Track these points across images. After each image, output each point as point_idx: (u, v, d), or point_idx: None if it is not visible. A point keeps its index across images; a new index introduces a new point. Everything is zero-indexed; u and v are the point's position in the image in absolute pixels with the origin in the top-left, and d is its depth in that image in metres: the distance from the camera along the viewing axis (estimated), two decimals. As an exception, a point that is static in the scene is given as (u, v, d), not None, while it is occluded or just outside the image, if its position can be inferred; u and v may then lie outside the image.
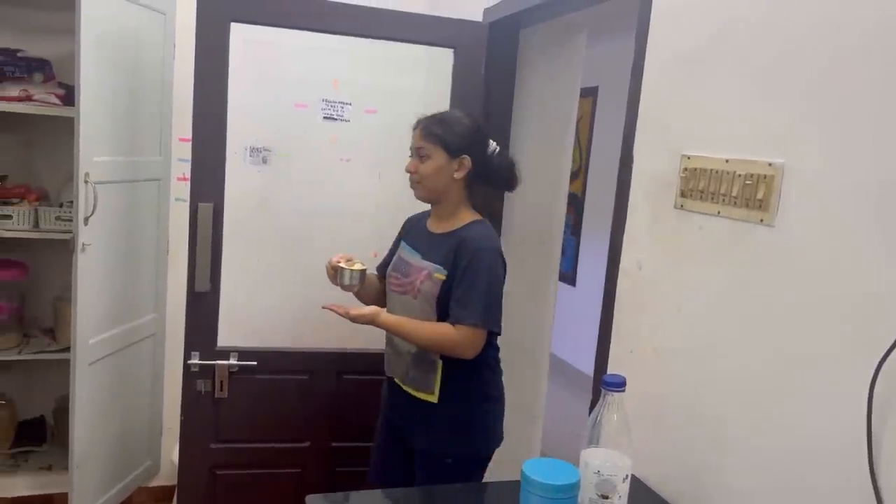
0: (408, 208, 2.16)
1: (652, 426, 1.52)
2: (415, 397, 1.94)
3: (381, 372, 2.10)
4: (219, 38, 2.22)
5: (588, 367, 4.66)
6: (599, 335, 1.72)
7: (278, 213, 2.48)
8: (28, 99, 2.64)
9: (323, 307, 1.90)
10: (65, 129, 2.77)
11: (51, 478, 2.83)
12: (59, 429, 3.00)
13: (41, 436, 3.02)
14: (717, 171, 1.37)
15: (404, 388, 1.97)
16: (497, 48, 2.46)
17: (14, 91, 2.62)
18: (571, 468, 1.25)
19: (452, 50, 2.42)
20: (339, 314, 1.88)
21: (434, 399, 1.91)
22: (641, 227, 1.59)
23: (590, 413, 1.77)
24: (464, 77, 2.43)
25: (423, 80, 2.54)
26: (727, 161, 1.35)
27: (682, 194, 1.46)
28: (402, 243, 2.06)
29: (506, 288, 2.64)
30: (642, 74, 1.61)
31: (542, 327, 2.72)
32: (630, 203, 1.63)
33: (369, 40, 2.38)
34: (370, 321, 1.88)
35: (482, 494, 1.66)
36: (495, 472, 2.71)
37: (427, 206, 2.06)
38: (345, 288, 1.96)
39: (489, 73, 2.46)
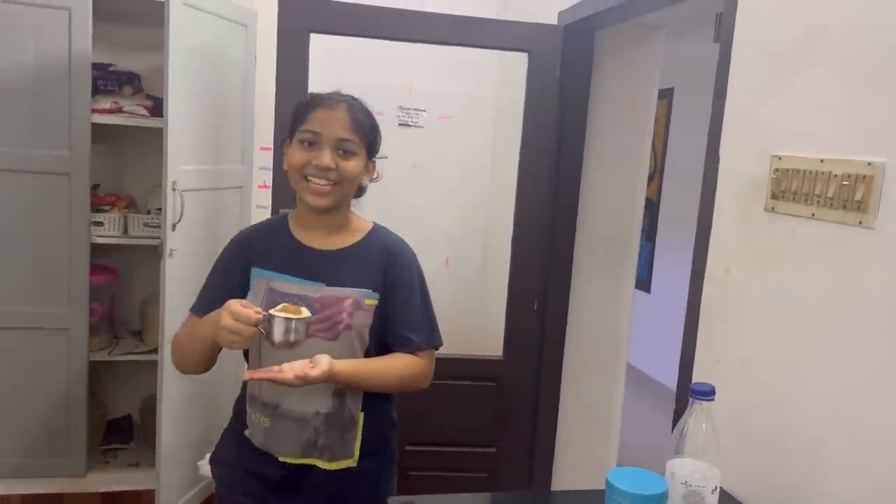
0: (476, 214, 2.15)
1: (740, 438, 1.47)
2: (325, 471, 1.51)
3: (462, 375, 2.04)
4: (299, 48, 2.28)
5: (663, 376, 4.59)
6: (683, 342, 1.68)
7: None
8: (118, 111, 2.76)
9: (247, 378, 1.41)
10: (152, 140, 2.90)
11: (138, 474, 2.94)
12: (146, 427, 3.12)
13: (129, 434, 3.14)
14: (810, 172, 1.32)
15: (303, 462, 1.51)
16: (572, 51, 2.44)
17: (106, 103, 2.75)
18: (658, 478, 1.22)
19: (527, 54, 2.42)
20: (283, 381, 1.36)
21: (353, 462, 1.53)
22: (729, 231, 1.55)
23: (673, 423, 1.74)
24: (538, 81, 2.42)
25: (496, 85, 2.55)
26: (822, 161, 1.29)
27: (773, 196, 1.41)
28: (262, 273, 1.51)
29: (582, 293, 2.62)
30: (728, 74, 1.57)
31: (619, 334, 2.67)
32: (716, 205, 1.58)
33: (443, 46, 2.40)
34: (326, 377, 1.39)
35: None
36: (568, 480, 2.68)
37: (260, 217, 1.72)
38: (284, 346, 1.36)
39: (564, 77, 2.44)
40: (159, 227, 2.83)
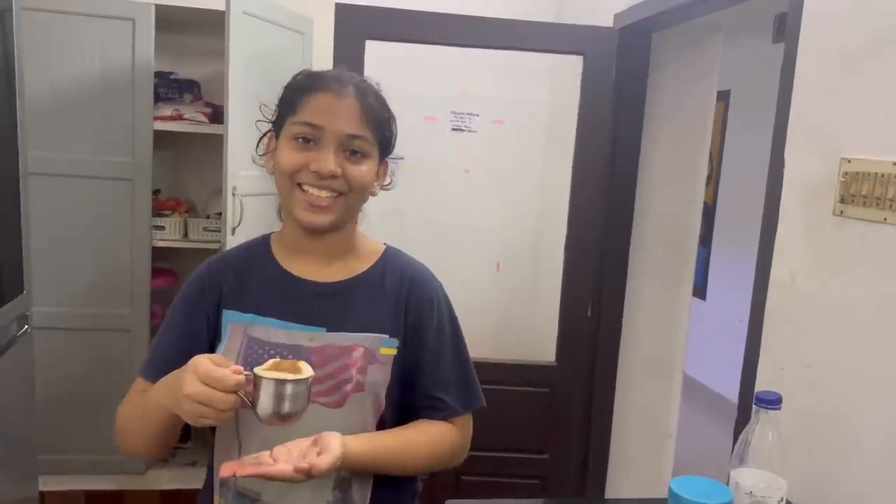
0: (527, 217, 2.13)
1: (805, 448, 1.43)
2: None
3: (515, 381, 2.01)
4: (355, 55, 2.31)
5: (717, 385, 4.49)
6: (746, 350, 1.64)
7: (406, 225, 2.54)
8: (179, 118, 2.84)
9: (226, 474, 0.97)
10: (210, 146, 2.96)
11: (196, 473, 3.00)
12: (202, 427, 3.18)
13: (186, 433, 3.22)
14: (882, 175, 1.27)
15: None
16: (628, 54, 2.41)
17: (168, 111, 2.82)
18: (722, 487, 1.19)
19: (581, 57, 2.40)
20: (279, 477, 0.96)
21: None
22: (794, 236, 1.51)
23: (734, 431, 1.70)
24: (593, 84, 2.40)
25: (549, 89, 2.53)
26: (895, 163, 1.25)
27: (842, 200, 1.37)
28: (237, 317, 1.12)
29: (637, 299, 2.59)
30: (793, 75, 1.53)
31: (676, 341, 2.62)
32: (781, 210, 1.54)
33: (497, 51, 2.40)
34: (338, 466, 1.01)
35: None
36: (621, 489, 2.64)
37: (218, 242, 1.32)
38: (275, 419, 0.96)
39: (620, 80, 2.41)
40: (218, 230, 2.90)
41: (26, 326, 2.17)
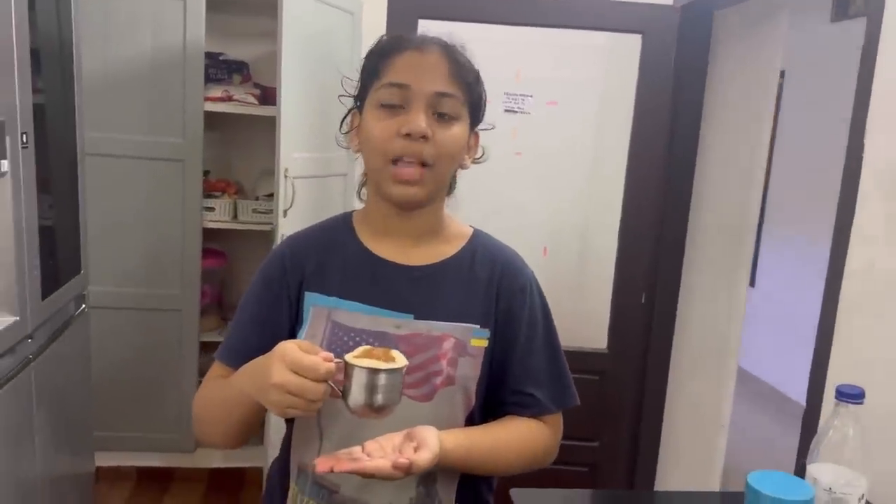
0: (576, 202, 2.08)
1: (885, 446, 1.37)
2: None
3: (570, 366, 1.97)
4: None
5: (767, 375, 4.39)
6: (817, 341, 1.58)
7: (455, 209, 2.51)
8: (229, 99, 2.83)
9: (323, 469, 0.88)
10: (259, 127, 2.96)
11: (243, 452, 3.02)
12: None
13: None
14: (978, 160, 1.20)
15: None
16: (689, 33, 2.34)
17: (217, 92, 2.82)
18: (801, 482, 1.15)
19: (640, 36, 2.33)
20: (376, 473, 0.88)
21: None
22: (875, 223, 1.44)
23: (803, 424, 1.65)
24: (652, 64, 2.34)
25: (603, 70, 2.47)
26: None
27: (931, 186, 1.30)
28: (320, 300, 1.06)
29: (693, 286, 2.52)
30: (876, 54, 1.46)
31: (731, 332, 2.55)
32: (860, 196, 1.48)
33: (552, 30, 2.34)
34: (435, 463, 0.93)
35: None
36: (672, 480, 2.60)
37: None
38: (367, 411, 0.90)
39: (680, 60, 2.34)
40: (268, 212, 2.90)
41: (84, 306, 2.20)
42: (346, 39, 2.70)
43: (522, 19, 2.31)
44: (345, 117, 1.15)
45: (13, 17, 1.60)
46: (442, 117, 1.02)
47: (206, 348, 3.08)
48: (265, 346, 0.92)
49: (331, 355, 0.88)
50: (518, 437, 1.08)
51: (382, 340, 1.01)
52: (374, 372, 0.87)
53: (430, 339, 1.03)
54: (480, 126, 1.12)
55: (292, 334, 1.06)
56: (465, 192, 2.58)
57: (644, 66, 2.33)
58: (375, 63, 1.05)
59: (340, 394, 0.89)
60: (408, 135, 0.99)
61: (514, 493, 1.31)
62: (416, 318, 1.04)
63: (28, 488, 1.78)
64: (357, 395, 0.88)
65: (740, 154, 2.48)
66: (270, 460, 2.06)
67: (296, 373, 0.85)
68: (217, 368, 1.09)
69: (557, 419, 1.14)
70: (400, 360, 0.91)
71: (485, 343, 1.06)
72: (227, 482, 2.97)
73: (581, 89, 2.39)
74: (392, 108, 1.01)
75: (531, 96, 2.40)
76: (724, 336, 2.57)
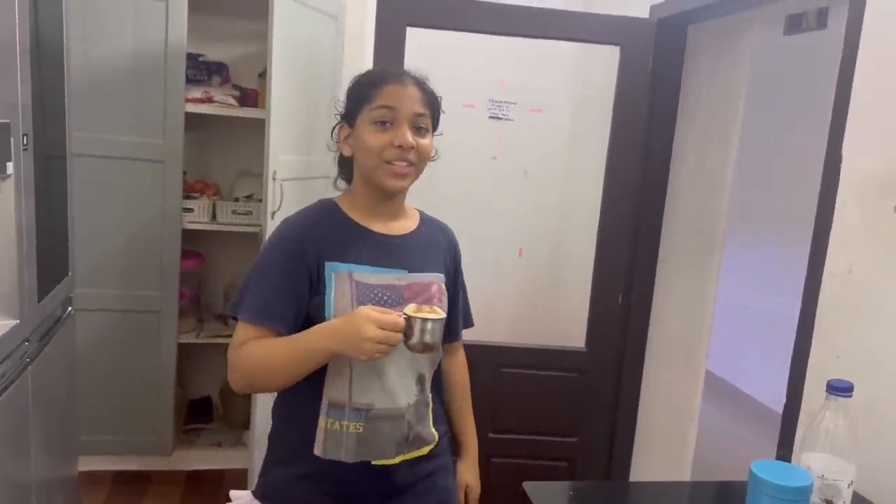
0: (552, 205, 2.15)
1: (866, 436, 1.48)
2: (412, 461, 1.41)
3: (546, 366, 2.00)
4: (396, 41, 2.31)
5: (731, 376, 4.54)
6: (797, 340, 1.69)
7: (440, 213, 2.56)
8: (209, 100, 2.83)
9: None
10: (237, 128, 2.97)
11: (222, 454, 3.03)
12: (225, 408, 3.21)
13: (209, 414, 3.24)
14: (950, 173, 1.32)
15: (395, 462, 1.38)
16: (664, 45, 2.44)
17: (197, 93, 2.81)
18: (800, 470, 1.25)
19: (619, 47, 2.43)
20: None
21: (434, 439, 1.45)
22: (852, 230, 1.55)
23: (783, 418, 1.76)
24: (629, 74, 2.43)
25: (585, 78, 2.56)
26: (963, 162, 1.30)
27: (907, 196, 1.42)
28: (341, 266, 1.34)
29: (667, 286, 2.64)
30: (854, 67, 1.57)
31: (701, 329, 2.68)
32: (838, 204, 1.59)
33: (535, 40, 2.42)
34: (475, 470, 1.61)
35: (706, 493, 1.64)
36: (645, 472, 2.70)
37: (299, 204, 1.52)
38: (420, 349, 1.26)
39: (656, 70, 2.44)
40: (247, 213, 2.91)
41: (70, 308, 2.18)
42: (328, 42, 2.73)
43: (506, 29, 2.37)
44: (334, 128, 1.47)
45: (16, 18, 1.59)
46: (419, 131, 1.37)
47: (184, 350, 3.07)
48: (295, 309, 1.30)
49: (400, 314, 1.23)
50: (467, 392, 1.62)
51: (392, 291, 1.36)
52: (426, 321, 1.24)
53: (423, 286, 1.40)
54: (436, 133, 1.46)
55: (313, 295, 1.33)
56: (447, 194, 2.63)
57: (622, 76, 2.43)
58: (366, 90, 1.37)
59: (405, 339, 1.24)
60: (399, 146, 1.33)
61: (528, 486, 1.38)
62: (409, 272, 1.40)
63: (21, 492, 1.76)
64: (416, 338, 1.24)
65: (710, 163, 2.60)
66: (256, 462, 2.06)
67: (382, 329, 1.20)
68: (250, 330, 1.32)
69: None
70: (441, 313, 1.28)
71: (444, 288, 1.46)
72: (205, 485, 2.96)
73: (563, 97, 2.47)
74: (383, 125, 1.35)
75: (515, 103, 2.47)
76: (696, 334, 2.69)
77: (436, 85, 2.45)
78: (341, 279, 1.33)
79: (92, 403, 2.74)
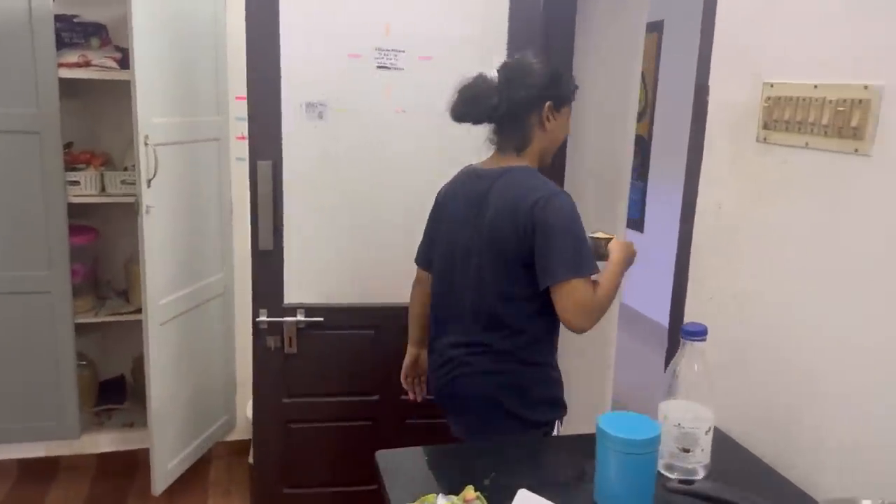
0: (460, 157, 2.07)
1: (734, 376, 1.44)
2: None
3: None
4: (268, -11, 2.16)
5: (659, 316, 4.57)
6: (675, 281, 1.64)
7: (338, 168, 2.43)
8: (87, 65, 2.65)
9: None
10: (124, 93, 2.78)
11: (133, 434, 2.94)
12: (139, 387, 3.10)
13: (122, 394, 3.13)
14: (804, 99, 1.25)
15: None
16: (555, -16, 2.33)
17: (73, 57, 2.64)
18: (650, 421, 1.19)
19: (508, -11, 2.31)
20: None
21: None
22: (720, 165, 1.49)
23: (665, 364, 1.71)
24: (521, 18, 2.31)
25: (476, 24, 2.44)
26: (816, 87, 1.23)
27: (765, 126, 1.35)
28: None
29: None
30: (716, 1, 1.49)
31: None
32: (707, 139, 1.52)
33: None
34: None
35: (557, 448, 1.61)
36: (567, 426, 2.67)
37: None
38: (604, 258, 1.75)
39: (549, 13, 2.33)
40: (135, 183, 2.76)
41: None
42: (206, -2, 2.56)
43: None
44: (534, 106, 1.70)
45: None
46: None
47: (87, 329, 2.94)
48: None
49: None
50: None
51: None
52: (609, 240, 1.74)
53: None
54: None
55: None
56: (344, 151, 2.50)
57: (514, 21, 2.31)
58: (573, 90, 1.75)
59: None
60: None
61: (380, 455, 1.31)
62: None
63: None
64: (605, 253, 1.72)
65: (611, 106, 2.52)
66: (156, 444, 1.94)
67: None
68: (590, 282, 1.60)
69: None
70: (610, 234, 1.77)
71: None
72: (116, 466, 2.88)
73: (454, 44, 2.34)
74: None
75: (403, 51, 2.34)
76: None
77: (317, 36, 2.31)
78: None
79: (-15, 391, 2.63)
